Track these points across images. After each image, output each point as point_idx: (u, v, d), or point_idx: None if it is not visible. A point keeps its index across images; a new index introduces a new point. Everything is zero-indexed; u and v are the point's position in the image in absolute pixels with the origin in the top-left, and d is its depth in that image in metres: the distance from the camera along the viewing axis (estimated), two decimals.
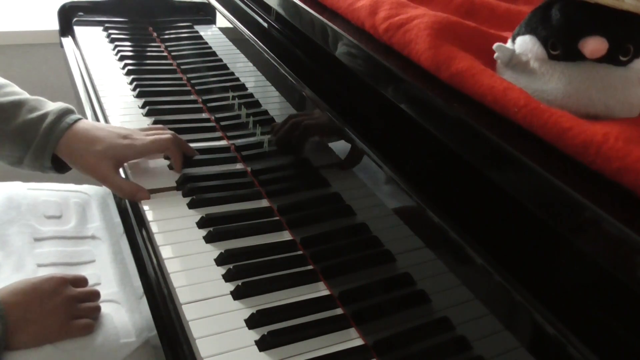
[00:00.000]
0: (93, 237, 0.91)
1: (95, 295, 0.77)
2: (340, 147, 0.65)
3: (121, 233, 0.81)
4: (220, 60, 1.01)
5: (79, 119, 0.81)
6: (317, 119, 0.70)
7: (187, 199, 0.79)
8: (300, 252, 0.72)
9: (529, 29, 0.49)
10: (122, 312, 0.78)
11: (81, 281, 0.77)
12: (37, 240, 0.87)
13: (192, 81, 1.11)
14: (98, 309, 0.75)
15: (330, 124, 0.66)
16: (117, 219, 0.83)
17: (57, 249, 0.86)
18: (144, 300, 0.68)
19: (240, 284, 0.66)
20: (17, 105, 0.79)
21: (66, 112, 0.80)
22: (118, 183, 0.78)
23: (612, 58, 0.46)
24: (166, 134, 0.83)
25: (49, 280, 0.72)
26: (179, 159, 0.84)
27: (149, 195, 0.79)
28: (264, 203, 0.81)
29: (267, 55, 0.79)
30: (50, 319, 0.69)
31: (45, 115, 0.79)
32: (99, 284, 0.82)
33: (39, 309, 0.69)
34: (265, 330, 0.60)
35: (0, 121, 0.77)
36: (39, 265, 0.82)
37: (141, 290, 0.69)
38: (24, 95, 0.82)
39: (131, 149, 0.80)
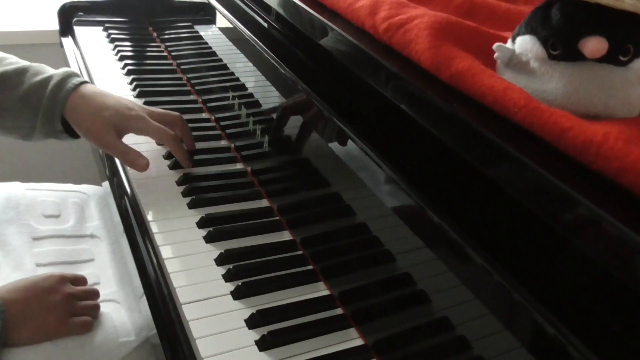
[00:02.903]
0: (92, 236, 0.91)
1: (94, 294, 0.77)
2: (340, 147, 0.65)
3: (121, 232, 0.82)
4: (220, 60, 1.01)
5: (85, 82, 0.81)
6: (315, 114, 0.70)
7: (187, 199, 0.79)
8: (300, 252, 0.72)
9: (529, 29, 0.49)
10: (121, 311, 0.78)
11: (80, 280, 0.78)
12: (35, 239, 0.87)
13: (192, 81, 1.11)
14: (97, 307, 0.75)
15: (330, 124, 0.66)
16: (117, 218, 0.83)
17: (56, 248, 0.86)
18: (144, 299, 0.68)
19: (240, 284, 0.66)
20: (21, 72, 0.80)
21: (70, 75, 0.81)
22: (121, 148, 0.79)
23: (612, 58, 0.46)
24: (169, 131, 0.83)
25: (48, 277, 0.72)
26: (180, 155, 0.83)
27: (148, 163, 0.79)
28: (264, 203, 0.80)
29: (267, 55, 0.79)
30: (49, 316, 0.69)
31: (50, 78, 0.80)
32: (98, 283, 0.82)
33: (38, 306, 0.69)
34: (265, 330, 0.60)
35: (7, 89, 0.78)
36: (38, 265, 0.82)
37: (141, 289, 0.69)
38: (26, 62, 0.83)
39: (137, 121, 0.80)
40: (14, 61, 0.82)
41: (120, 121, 0.79)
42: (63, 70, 0.81)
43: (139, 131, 0.82)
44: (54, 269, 0.82)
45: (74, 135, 0.83)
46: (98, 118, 0.78)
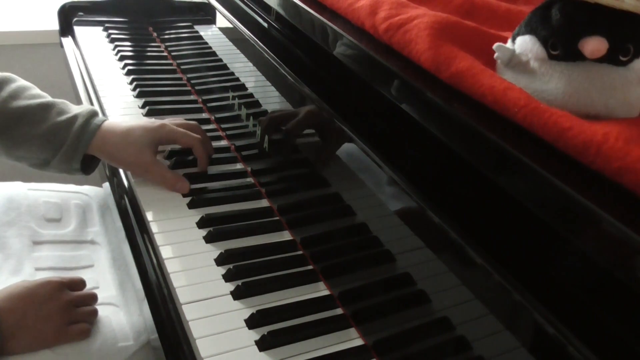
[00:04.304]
0: (92, 242, 0.91)
1: (93, 298, 0.76)
2: (340, 147, 0.65)
3: (122, 238, 0.81)
4: (220, 60, 1.01)
5: (106, 120, 0.82)
6: (314, 117, 0.70)
7: (187, 199, 0.79)
8: (300, 252, 0.72)
9: (529, 29, 0.49)
10: (120, 315, 0.77)
11: (78, 283, 0.76)
12: (36, 243, 0.87)
13: (192, 81, 1.11)
14: (95, 312, 0.74)
15: (330, 124, 0.66)
16: (118, 224, 0.83)
17: (56, 254, 0.86)
18: (144, 302, 0.68)
19: (240, 284, 0.66)
20: (46, 108, 0.80)
21: (94, 114, 0.82)
22: (161, 172, 0.80)
23: (612, 58, 0.46)
24: (196, 135, 0.84)
25: (46, 284, 0.71)
26: (204, 160, 0.84)
27: (189, 186, 0.80)
28: (264, 203, 0.80)
29: (267, 55, 0.79)
30: (47, 325, 0.69)
31: (75, 118, 0.80)
32: (97, 287, 0.81)
33: (35, 315, 0.68)
34: (265, 330, 0.60)
35: (28, 124, 0.79)
36: (37, 269, 0.82)
37: (142, 292, 0.69)
38: (49, 97, 0.83)
39: (163, 129, 0.81)
40: (36, 94, 0.82)
41: (149, 136, 0.80)
42: (87, 109, 0.82)
43: (167, 139, 0.83)
44: (53, 274, 0.81)
45: (87, 172, 0.84)
46: (130, 143, 0.79)
